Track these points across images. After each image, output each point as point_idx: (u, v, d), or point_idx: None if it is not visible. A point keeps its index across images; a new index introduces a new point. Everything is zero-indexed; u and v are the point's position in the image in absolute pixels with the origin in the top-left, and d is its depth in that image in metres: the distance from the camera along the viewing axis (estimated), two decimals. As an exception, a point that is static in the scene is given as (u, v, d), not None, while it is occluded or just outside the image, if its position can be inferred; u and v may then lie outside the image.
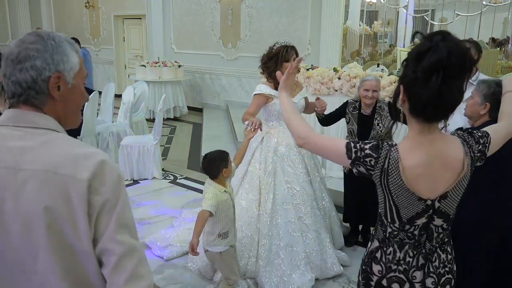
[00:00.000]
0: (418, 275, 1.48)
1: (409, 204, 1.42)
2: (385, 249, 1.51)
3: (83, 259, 1.08)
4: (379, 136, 3.43)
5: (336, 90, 4.96)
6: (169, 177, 5.53)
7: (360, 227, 3.88)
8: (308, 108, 3.55)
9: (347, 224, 3.88)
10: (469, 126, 3.00)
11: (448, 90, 1.29)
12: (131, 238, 1.11)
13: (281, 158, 3.24)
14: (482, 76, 3.31)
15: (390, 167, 1.39)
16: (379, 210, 1.52)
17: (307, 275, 3.07)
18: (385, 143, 1.43)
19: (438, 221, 1.47)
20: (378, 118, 3.45)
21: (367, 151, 1.42)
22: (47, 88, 1.11)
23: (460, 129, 1.52)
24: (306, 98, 3.54)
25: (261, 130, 2.97)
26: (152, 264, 3.45)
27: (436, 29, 8.05)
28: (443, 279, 1.51)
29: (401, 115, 1.45)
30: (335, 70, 5.14)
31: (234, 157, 2.94)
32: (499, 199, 2.27)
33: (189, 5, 9.66)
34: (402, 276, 1.48)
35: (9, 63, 1.09)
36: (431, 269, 1.49)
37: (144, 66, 8.91)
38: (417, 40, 1.37)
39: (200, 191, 5.03)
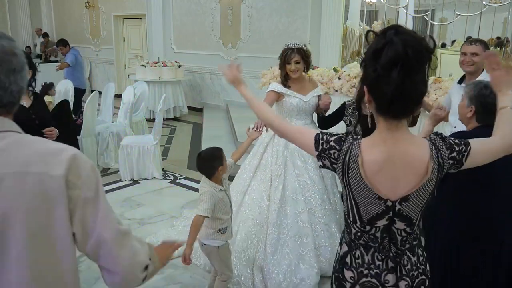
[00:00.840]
0: (391, 278, 1.45)
1: (369, 203, 1.39)
2: (353, 253, 1.48)
3: (61, 257, 1.08)
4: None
5: (336, 90, 4.97)
6: (169, 177, 5.54)
7: None
8: (317, 108, 3.50)
9: None
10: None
11: (411, 83, 1.26)
12: (120, 225, 1.15)
13: (292, 152, 3.30)
14: (487, 77, 3.26)
15: (351, 160, 1.37)
16: (343, 209, 1.51)
17: (314, 268, 3.09)
18: (349, 136, 1.41)
19: (400, 224, 1.43)
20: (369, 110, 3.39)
21: (332, 143, 1.41)
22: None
23: (435, 133, 1.47)
24: (319, 97, 3.48)
25: (266, 131, 3.01)
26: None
27: (436, 29, 8.06)
28: (417, 280, 1.49)
29: (369, 116, 1.42)
30: (335, 70, 5.14)
31: (233, 153, 2.98)
32: (490, 211, 2.17)
33: (189, 5, 9.66)
34: (374, 280, 1.46)
35: (9, 72, 1.06)
36: (404, 272, 1.46)
37: (144, 66, 8.92)
38: (370, 39, 1.33)
39: (200, 191, 5.04)
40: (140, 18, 10.94)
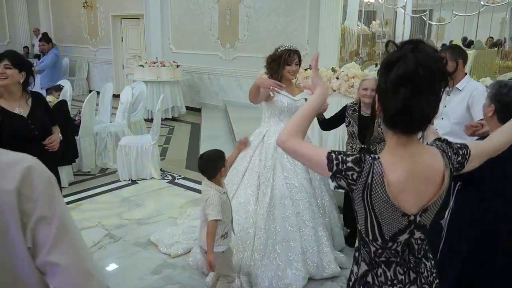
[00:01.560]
0: None
1: (393, 221, 1.36)
2: (374, 271, 1.45)
3: (22, 272, 1.03)
4: (380, 138, 3.42)
5: (335, 90, 4.97)
6: (168, 177, 5.53)
7: None
8: None
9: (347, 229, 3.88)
10: (455, 133, 2.98)
11: (416, 104, 1.24)
12: (84, 261, 1.05)
13: (281, 155, 3.28)
14: (472, 81, 3.29)
15: (374, 182, 1.31)
16: (359, 227, 1.45)
17: (301, 272, 3.09)
18: (368, 156, 1.35)
19: (417, 234, 1.43)
20: (380, 120, 3.41)
21: (349, 164, 1.32)
22: None
23: (439, 139, 1.46)
24: (305, 100, 3.53)
25: (249, 145, 3.04)
26: (151, 264, 3.45)
27: (434, 29, 8.08)
28: (433, 285, 1.49)
29: (377, 124, 1.43)
30: (333, 70, 5.15)
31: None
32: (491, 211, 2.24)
33: (187, 5, 9.66)
34: None
35: None
36: (423, 280, 1.46)
37: (142, 66, 8.91)
38: (389, 49, 1.31)
39: (199, 191, 5.03)
40: (138, 18, 10.93)
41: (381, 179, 1.30)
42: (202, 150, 6.28)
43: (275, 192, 3.20)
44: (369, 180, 1.31)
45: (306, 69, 5.39)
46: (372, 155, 1.36)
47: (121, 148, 5.36)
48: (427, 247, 1.50)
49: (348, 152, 1.37)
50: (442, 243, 2.40)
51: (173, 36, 10.10)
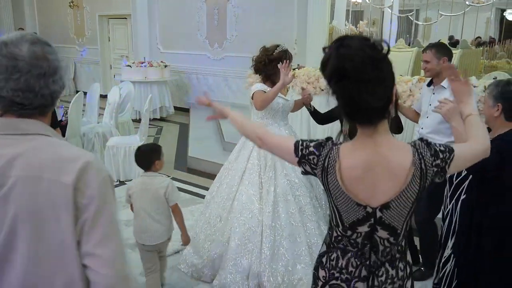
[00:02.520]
0: (360, 286, 1.43)
1: (348, 208, 1.39)
2: (330, 254, 1.49)
3: (69, 261, 1.09)
4: None
5: (323, 90, 4.99)
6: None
7: None
8: (295, 106, 3.58)
9: None
10: (439, 131, 3.00)
11: (356, 95, 1.26)
12: (115, 252, 1.11)
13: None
14: None
15: (329, 166, 1.37)
16: (328, 212, 1.51)
17: (310, 266, 3.07)
18: (329, 142, 1.42)
19: (382, 233, 1.41)
20: None
21: (311, 149, 1.41)
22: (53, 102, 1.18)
23: (421, 139, 1.42)
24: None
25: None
26: (140, 266, 3.42)
27: (421, 29, 8.15)
28: None
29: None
30: (321, 69, 5.16)
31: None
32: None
33: (175, 5, 9.61)
34: (344, 285, 1.45)
35: (39, 76, 1.10)
36: (376, 283, 1.43)
37: (130, 66, 8.85)
38: (402, 44, 1.36)
39: (187, 191, 5.02)
40: (126, 18, 10.85)
41: (334, 163, 1.36)
42: (191, 151, 6.27)
43: (278, 189, 3.23)
44: (325, 164, 1.38)
45: (294, 69, 5.40)
46: (333, 141, 1.42)
47: (109, 148, 5.32)
48: (398, 255, 1.46)
49: (314, 139, 1.44)
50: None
51: (161, 36, 10.05)
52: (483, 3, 7.05)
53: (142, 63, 8.90)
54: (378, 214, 1.37)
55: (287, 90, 3.52)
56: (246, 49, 8.53)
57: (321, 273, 1.51)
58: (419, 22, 7.94)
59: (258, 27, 8.34)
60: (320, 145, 1.41)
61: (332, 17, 8.14)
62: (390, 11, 7.95)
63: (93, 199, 1.08)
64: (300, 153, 1.43)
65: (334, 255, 1.47)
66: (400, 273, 1.47)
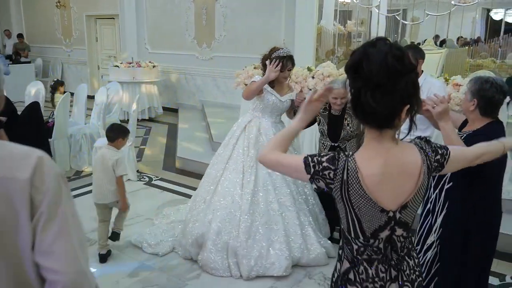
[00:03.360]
0: (394, 287, 1.47)
1: (372, 217, 1.39)
2: (356, 268, 1.47)
3: (27, 264, 1.06)
4: (349, 136, 3.53)
5: (310, 89, 5.01)
6: (144, 178, 5.48)
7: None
8: (290, 113, 3.73)
9: None
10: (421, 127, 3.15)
11: (363, 95, 1.29)
12: (65, 257, 1.06)
13: (262, 144, 3.49)
14: (429, 78, 3.39)
15: (350, 177, 1.35)
16: (342, 227, 1.50)
17: (284, 253, 3.29)
18: (342, 154, 1.40)
19: (399, 231, 1.45)
20: (348, 119, 3.52)
21: (325, 164, 1.38)
22: None
23: (419, 137, 1.50)
24: (293, 101, 3.69)
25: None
26: (128, 267, 3.42)
27: (408, 28, 8.22)
28: (415, 284, 1.52)
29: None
30: (309, 69, 5.19)
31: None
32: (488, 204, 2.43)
33: (163, 5, 9.58)
34: None
35: None
36: (404, 278, 1.48)
37: (118, 66, 8.80)
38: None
39: (176, 192, 5.01)
40: (113, 18, 10.79)
41: (356, 174, 1.34)
42: (179, 151, 6.26)
43: (258, 179, 3.45)
44: (345, 177, 1.35)
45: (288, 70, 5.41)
46: (346, 153, 1.40)
47: (96, 150, 5.28)
48: (410, 246, 1.53)
49: (322, 153, 1.41)
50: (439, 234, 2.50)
51: (149, 36, 10.01)
52: (470, 2, 7.13)
53: (130, 63, 8.86)
54: (398, 215, 1.41)
55: (289, 90, 3.67)
56: (235, 49, 8.56)
57: None
58: (405, 22, 8.01)
59: (246, 27, 8.35)
60: (334, 158, 1.38)
61: (321, 17, 8.18)
62: (377, 11, 8.00)
63: (48, 195, 1.04)
64: (312, 169, 1.39)
65: (361, 268, 1.46)
66: (416, 260, 1.54)
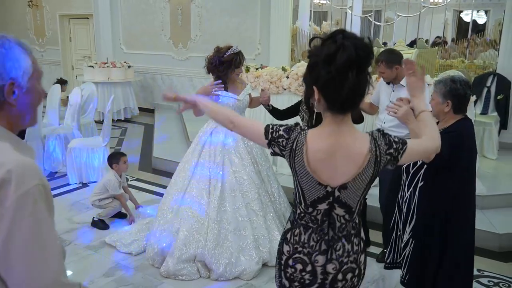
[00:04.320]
0: (320, 259, 1.58)
1: (311, 187, 1.54)
2: (293, 230, 1.63)
3: None
4: None
5: (285, 89, 5.07)
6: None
7: None
8: (252, 103, 3.74)
9: None
10: (400, 125, 3.24)
11: (360, 82, 1.41)
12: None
13: (229, 150, 3.48)
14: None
15: (297, 148, 1.51)
16: (293, 191, 1.64)
17: (254, 258, 3.29)
18: (298, 127, 1.56)
19: (339, 211, 1.57)
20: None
21: (281, 132, 1.55)
22: (3, 96, 1.11)
23: (378, 130, 1.59)
24: (249, 95, 3.71)
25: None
26: (103, 267, 3.41)
27: (382, 29, 8.37)
28: (345, 267, 1.60)
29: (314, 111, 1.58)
30: (283, 69, 5.25)
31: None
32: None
33: (138, 5, 9.51)
34: (305, 258, 1.59)
35: None
36: (334, 256, 1.58)
37: (92, 67, 8.69)
38: (316, 43, 1.45)
39: (152, 192, 5.01)
40: (88, 18, 10.65)
41: (302, 147, 1.51)
42: (155, 151, 6.25)
43: (225, 185, 3.39)
44: (294, 146, 1.52)
45: (257, 69, 5.46)
46: (301, 127, 1.56)
47: (71, 150, 5.23)
48: (353, 231, 1.62)
49: (283, 124, 1.57)
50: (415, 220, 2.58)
51: (124, 36, 9.92)
52: (437, 4, 7.33)
53: (105, 63, 8.76)
54: (337, 193, 1.54)
55: (242, 86, 3.64)
56: (211, 49, 8.43)
57: (286, 248, 1.64)
58: (377, 23, 8.16)
59: (222, 27, 8.38)
60: (289, 129, 1.54)
61: (296, 18, 8.27)
62: (351, 12, 8.14)
63: (9, 212, 0.99)
64: (270, 135, 1.56)
65: (297, 231, 1.62)
66: (355, 247, 1.63)
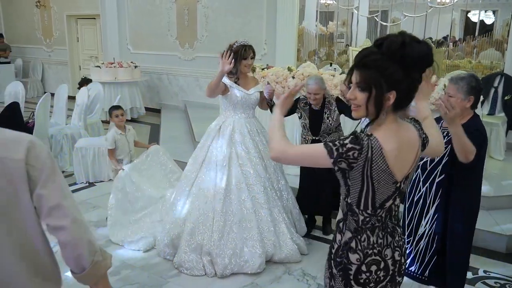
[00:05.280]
0: (389, 252, 1.61)
1: (385, 189, 1.54)
2: (359, 237, 1.59)
3: (31, 233, 1.29)
4: (329, 129, 3.72)
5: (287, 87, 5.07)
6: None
7: (321, 220, 4.10)
8: (263, 104, 3.78)
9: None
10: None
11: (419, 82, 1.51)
12: (70, 216, 1.31)
13: (236, 144, 3.55)
14: None
15: (374, 154, 1.46)
16: (349, 201, 1.59)
17: (258, 250, 3.34)
18: (362, 134, 1.49)
19: (397, 201, 1.62)
20: (328, 112, 3.72)
21: (349, 145, 1.46)
22: None
23: (411, 119, 1.69)
24: (262, 93, 3.76)
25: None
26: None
27: (389, 29, 8.34)
28: (403, 249, 1.68)
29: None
30: (289, 69, 5.25)
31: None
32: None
33: (144, 5, 9.55)
34: (377, 257, 1.60)
35: None
36: (395, 244, 1.63)
37: (99, 67, 8.74)
38: (367, 44, 1.49)
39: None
40: (95, 18, 10.71)
41: (380, 151, 1.47)
42: (161, 151, 6.26)
43: (231, 178, 3.46)
44: (369, 154, 1.47)
45: (263, 69, 5.47)
46: (364, 133, 1.53)
47: (77, 150, 5.27)
48: (399, 215, 1.70)
49: (341, 137, 1.52)
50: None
51: (131, 37, 9.96)
52: (443, 4, 7.30)
53: (112, 63, 8.81)
54: (402, 185, 1.58)
55: (255, 83, 3.72)
56: (217, 49, 8.44)
57: (354, 257, 1.59)
58: (384, 23, 8.14)
59: (228, 28, 8.39)
60: (357, 138, 1.47)
61: (303, 18, 8.26)
62: (357, 13, 8.12)
63: (45, 169, 1.28)
64: (335, 152, 1.47)
65: (364, 236, 1.59)
66: (400, 230, 1.69)
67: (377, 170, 1.49)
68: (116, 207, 4.01)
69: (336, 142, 1.49)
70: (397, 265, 1.64)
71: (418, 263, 2.75)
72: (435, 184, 2.63)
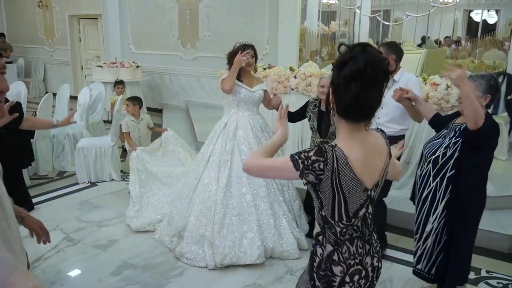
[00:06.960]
0: (368, 259, 1.62)
1: (356, 198, 1.53)
2: (340, 249, 1.58)
3: None
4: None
5: (293, 89, 5.07)
6: (128, 178, 5.45)
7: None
8: (269, 103, 3.88)
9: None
10: (394, 120, 3.40)
11: (364, 97, 1.43)
12: None
13: (239, 140, 3.66)
14: (406, 73, 3.48)
15: (340, 164, 1.46)
16: (323, 213, 1.58)
17: (257, 242, 3.42)
18: (326, 146, 1.48)
19: (370, 208, 1.62)
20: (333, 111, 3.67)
21: (313, 158, 1.45)
22: None
23: (376, 129, 1.68)
24: (266, 92, 3.88)
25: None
26: (110, 266, 3.43)
27: (391, 29, 8.34)
28: (380, 253, 1.70)
29: (332, 114, 1.58)
30: (291, 69, 5.24)
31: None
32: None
33: (146, 5, 9.55)
34: (359, 267, 1.60)
35: None
36: (373, 250, 1.65)
37: (101, 67, 8.74)
38: (342, 50, 1.51)
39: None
40: (97, 18, 10.71)
41: (345, 160, 1.47)
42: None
43: (232, 172, 3.57)
44: (335, 165, 1.46)
45: (265, 69, 5.46)
46: (328, 144, 1.50)
47: (79, 150, 5.27)
48: (372, 221, 1.69)
49: (306, 149, 1.50)
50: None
51: (133, 37, 9.97)
52: (446, 4, 7.28)
53: (114, 63, 8.81)
54: (372, 193, 1.58)
55: (258, 82, 3.81)
56: (219, 49, 8.54)
57: (337, 269, 1.58)
58: (386, 22, 8.13)
59: (230, 27, 8.38)
60: (320, 150, 1.46)
61: (305, 18, 8.24)
62: (359, 12, 8.10)
63: None
64: (301, 165, 1.46)
65: (344, 247, 1.58)
66: (376, 235, 1.71)
67: (345, 179, 1.48)
68: (135, 184, 4.41)
69: (302, 155, 1.47)
70: (375, 271, 1.67)
71: (425, 260, 2.76)
72: (445, 179, 2.63)
